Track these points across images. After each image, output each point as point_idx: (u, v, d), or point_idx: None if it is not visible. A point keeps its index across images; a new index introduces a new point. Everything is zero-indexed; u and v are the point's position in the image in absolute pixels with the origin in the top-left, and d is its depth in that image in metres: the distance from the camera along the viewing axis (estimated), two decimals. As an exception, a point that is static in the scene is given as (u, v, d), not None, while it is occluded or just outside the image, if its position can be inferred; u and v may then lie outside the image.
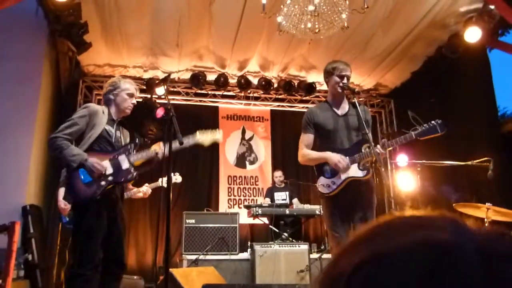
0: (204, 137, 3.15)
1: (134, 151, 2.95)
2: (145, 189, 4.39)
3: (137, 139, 3.02)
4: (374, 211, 2.98)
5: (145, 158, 2.95)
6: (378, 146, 2.87)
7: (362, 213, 2.92)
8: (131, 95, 2.99)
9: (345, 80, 3.05)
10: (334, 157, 2.89)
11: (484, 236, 0.40)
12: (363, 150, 2.90)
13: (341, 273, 0.40)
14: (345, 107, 3.13)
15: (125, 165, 2.84)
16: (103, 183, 2.74)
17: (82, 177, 2.70)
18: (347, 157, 2.90)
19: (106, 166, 2.76)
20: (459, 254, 0.37)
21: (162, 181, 4.47)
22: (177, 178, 4.78)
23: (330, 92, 3.19)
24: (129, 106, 2.99)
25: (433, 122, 2.89)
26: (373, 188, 3.02)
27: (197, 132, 3.14)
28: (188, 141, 3.01)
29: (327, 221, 3.01)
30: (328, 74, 3.12)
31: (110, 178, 2.77)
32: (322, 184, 2.99)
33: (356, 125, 3.01)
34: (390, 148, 2.96)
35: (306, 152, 3.06)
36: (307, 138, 3.08)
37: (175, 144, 2.79)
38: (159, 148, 2.93)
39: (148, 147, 3.01)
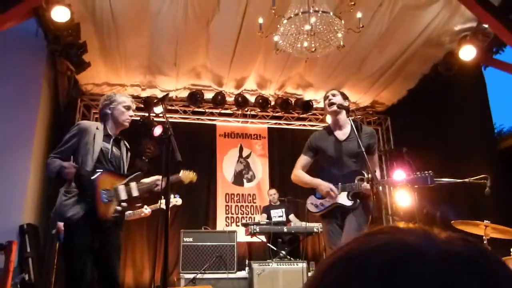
0: (184, 176, 3.39)
1: (141, 180, 2.97)
2: (146, 211, 4.42)
3: (143, 167, 3.05)
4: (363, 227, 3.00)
5: (147, 189, 2.95)
6: (365, 184, 2.93)
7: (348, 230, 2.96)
8: (128, 108, 2.96)
9: (331, 97, 3.17)
10: (324, 187, 2.98)
11: (447, 240, 0.43)
12: (356, 181, 2.96)
13: (315, 279, 0.44)
14: (346, 132, 3.16)
15: (135, 192, 2.85)
16: (119, 208, 2.76)
17: (105, 199, 2.70)
18: (339, 184, 2.99)
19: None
20: (420, 252, 0.41)
21: (162, 203, 4.48)
22: (177, 200, 4.80)
23: (330, 119, 3.36)
24: (127, 119, 2.96)
25: (425, 173, 2.96)
26: (363, 215, 3.01)
27: (181, 171, 3.37)
28: (173, 178, 3.11)
29: (324, 237, 3.20)
30: (324, 104, 3.30)
31: (124, 204, 2.79)
32: (311, 202, 3.12)
33: (355, 151, 3.02)
34: (377, 187, 2.93)
35: (299, 174, 3.18)
36: (304, 160, 3.21)
37: (172, 178, 2.92)
38: (159, 181, 2.96)
39: (147, 171, 3.04)
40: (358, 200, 2.96)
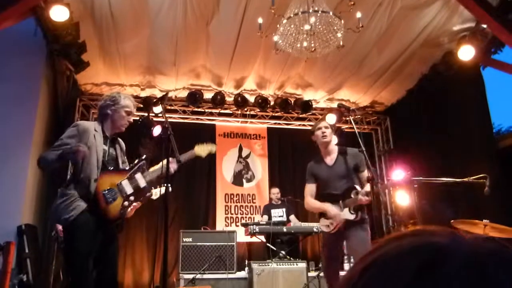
0: (201, 150, 3.35)
1: (147, 168, 2.93)
2: (135, 203, 4.40)
3: (145, 156, 2.99)
4: (368, 241, 3.41)
5: (157, 176, 2.92)
6: (360, 195, 3.33)
7: (354, 243, 3.43)
8: (129, 113, 2.92)
9: (324, 130, 3.56)
10: (331, 212, 3.45)
11: (474, 240, 0.44)
12: (352, 196, 3.39)
13: (350, 280, 0.45)
14: (333, 157, 3.60)
15: (142, 183, 2.83)
16: (126, 203, 2.72)
17: (109, 199, 2.67)
18: (340, 202, 3.44)
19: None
20: (450, 254, 0.42)
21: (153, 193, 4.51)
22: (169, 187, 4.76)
23: (320, 148, 3.68)
24: (125, 124, 2.93)
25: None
26: (366, 229, 3.45)
27: (195, 146, 3.33)
28: (186, 155, 3.09)
29: (324, 250, 3.62)
30: (312, 135, 3.68)
31: (131, 197, 2.76)
32: (324, 224, 3.53)
33: (344, 172, 3.50)
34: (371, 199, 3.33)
35: (310, 201, 3.61)
36: (309, 188, 3.63)
37: (184, 156, 2.91)
38: (170, 163, 2.90)
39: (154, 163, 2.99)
40: (359, 213, 3.38)
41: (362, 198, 3.30)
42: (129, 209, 2.78)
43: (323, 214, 3.55)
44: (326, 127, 3.60)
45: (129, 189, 2.76)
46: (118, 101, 2.89)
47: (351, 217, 3.40)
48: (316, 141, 3.68)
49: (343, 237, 3.49)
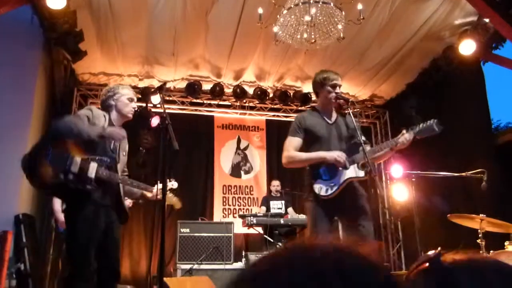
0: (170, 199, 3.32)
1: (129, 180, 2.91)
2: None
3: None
4: (369, 214, 2.94)
5: (107, 178, 2.72)
6: (395, 139, 2.85)
7: (355, 219, 2.87)
8: (131, 100, 2.94)
9: (337, 90, 3.04)
10: (332, 153, 2.86)
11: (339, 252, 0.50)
12: (360, 152, 2.85)
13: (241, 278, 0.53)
14: (333, 116, 3.13)
15: (91, 174, 2.63)
16: (61, 175, 2.54)
17: (48, 157, 2.55)
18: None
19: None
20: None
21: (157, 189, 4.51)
22: (173, 184, 4.77)
23: (320, 102, 3.18)
24: (131, 110, 2.93)
25: (429, 121, 2.82)
26: (362, 194, 2.99)
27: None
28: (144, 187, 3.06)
29: (311, 224, 2.93)
30: (319, 84, 3.11)
31: (70, 176, 2.57)
32: (320, 186, 2.89)
33: (346, 134, 3.00)
34: (386, 149, 2.90)
35: (294, 154, 2.97)
36: (295, 141, 3.00)
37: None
38: (149, 193, 2.99)
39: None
40: (369, 168, 2.76)
41: (402, 141, 2.76)
42: (53, 179, 2.56)
43: (318, 176, 2.92)
44: (340, 87, 3.06)
45: (74, 168, 2.57)
46: (118, 90, 2.92)
47: (361, 174, 2.83)
48: (318, 92, 3.14)
49: (337, 211, 2.87)
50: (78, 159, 2.60)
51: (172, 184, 4.66)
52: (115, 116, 2.92)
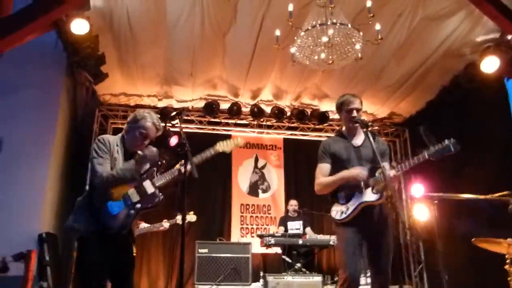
0: (224, 145, 3.15)
1: (158, 174, 2.88)
2: (165, 225, 4.87)
3: (159, 162, 2.93)
4: (391, 244, 2.89)
5: (169, 178, 2.86)
6: (390, 169, 2.83)
7: (377, 246, 2.86)
8: (144, 136, 2.83)
9: (354, 114, 3.04)
10: (353, 170, 2.89)
11: None
12: (376, 175, 2.85)
13: None
14: (360, 139, 3.09)
15: (150, 189, 2.76)
16: (132, 212, 2.70)
17: (110, 209, 2.65)
18: (362, 183, 2.86)
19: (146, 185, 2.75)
20: None
21: (178, 219, 4.76)
22: (192, 217, 4.98)
23: (344, 125, 3.20)
24: (138, 145, 2.84)
25: (446, 141, 2.76)
26: (388, 225, 2.93)
27: (217, 144, 3.14)
28: (208, 153, 3.00)
29: (339, 246, 2.96)
30: (338, 110, 3.18)
31: (138, 205, 2.72)
32: (336, 210, 2.95)
33: (370, 156, 2.94)
34: (402, 171, 2.86)
35: (322, 180, 3.02)
36: (324, 167, 3.04)
37: (197, 159, 2.84)
38: (180, 166, 2.84)
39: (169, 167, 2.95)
40: (384, 194, 2.80)
41: (389, 173, 2.76)
42: (133, 218, 2.73)
43: (336, 200, 2.99)
44: (358, 110, 3.05)
45: (135, 197, 2.72)
46: (138, 121, 2.85)
47: (373, 197, 2.84)
48: (340, 117, 3.19)
49: (361, 233, 2.86)
50: (131, 190, 2.73)
51: (191, 218, 4.87)
52: (128, 142, 2.89)
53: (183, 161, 2.83)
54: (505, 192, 3.85)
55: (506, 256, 3.79)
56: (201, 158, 2.91)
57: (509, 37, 5.11)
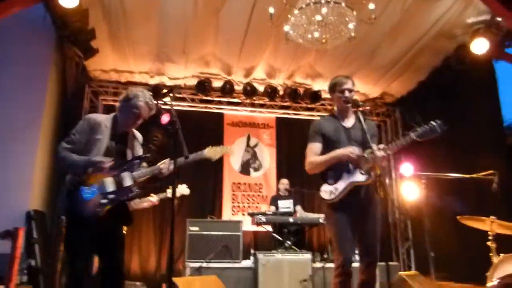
0: (212, 152, 3.13)
1: (140, 167, 2.86)
2: (154, 199, 4.50)
3: (144, 154, 2.88)
4: (378, 224, 2.96)
5: (149, 175, 2.84)
6: (378, 150, 2.88)
7: (364, 227, 2.93)
8: (137, 116, 2.83)
9: (346, 94, 3.10)
10: (345, 150, 2.93)
11: None
12: (365, 155, 2.90)
13: None
14: (351, 120, 3.15)
15: (127, 182, 2.72)
16: (104, 201, 2.64)
17: (84, 195, 2.61)
18: (350, 164, 2.93)
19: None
20: None
21: (169, 192, 4.54)
22: (184, 190, 4.80)
23: (336, 106, 3.23)
24: (131, 124, 2.86)
25: (432, 122, 2.85)
26: (376, 204, 3.00)
27: (206, 149, 3.12)
28: (196, 156, 2.96)
29: (331, 230, 3.01)
30: (331, 91, 3.22)
31: (111, 196, 2.67)
32: (325, 190, 3.01)
33: (360, 138, 3.03)
34: (390, 152, 2.93)
35: (313, 159, 3.05)
36: (315, 147, 3.07)
37: (181, 160, 2.75)
38: (164, 165, 2.84)
39: (153, 159, 2.94)
40: (372, 174, 2.88)
41: (377, 154, 2.81)
42: (106, 207, 2.66)
43: (325, 179, 3.04)
44: (350, 90, 3.12)
45: (110, 187, 2.67)
46: (130, 99, 2.84)
47: (362, 178, 2.90)
48: (333, 98, 3.22)
49: (350, 213, 2.91)
50: (109, 179, 2.68)
51: (184, 189, 4.68)
52: (121, 121, 2.86)
53: (167, 159, 2.85)
54: (489, 171, 3.95)
55: (489, 233, 3.91)
56: (187, 161, 2.83)
57: (499, 19, 5.12)
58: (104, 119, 2.83)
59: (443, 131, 2.82)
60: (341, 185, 2.95)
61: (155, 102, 2.99)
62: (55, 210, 5.46)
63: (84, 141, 2.71)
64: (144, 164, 2.96)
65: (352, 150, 2.91)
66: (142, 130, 3.16)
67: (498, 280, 3.40)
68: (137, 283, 5.45)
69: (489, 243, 3.89)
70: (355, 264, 2.84)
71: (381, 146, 2.92)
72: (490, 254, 3.84)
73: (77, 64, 6.00)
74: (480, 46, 5.39)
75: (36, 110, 5.48)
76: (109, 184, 2.69)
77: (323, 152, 3.05)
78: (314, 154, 3.06)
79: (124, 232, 3.60)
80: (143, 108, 2.84)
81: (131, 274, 6.50)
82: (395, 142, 2.91)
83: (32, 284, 4.49)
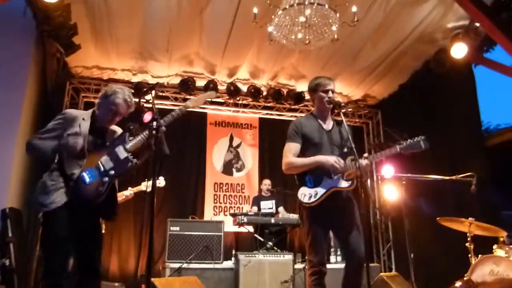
0: (195, 101, 3.04)
1: (129, 138, 2.80)
2: (128, 193, 4.42)
3: (131, 126, 2.82)
4: (360, 227, 2.95)
5: (142, 141, 2.77)
6: (363, 159, 2.89)
7: (346, 231, 2.92)
8: (114, 113, 2.81)
9: (330, 94, 3.12)
10: (330, 158, 2.91)
11: None
12: (347, 162, 2.91)
13: None
14: (330, 123, 3.19)
15: (122, 155, 2.70)
16: (106, 179, 2.64)
17: (87, 179, 2.60)
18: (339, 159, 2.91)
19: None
20: None
21: (146, 186, 4.47)
22: (160, 182, 4.74)
23: (316, 107, 3.23)
24: (109, 121, 2.83)
25: (416, 138, 2.95)
26: (354, 205, 3.02)
27: (189, 99, 3.05)
28: (181, 111, 2.88)
29: (307, 231, 2.96)
30: (313, 91, 3.20)
31: (112, 172, 2.66)
32: (304, 193, 2.96)
33: (339, 142, 3.08)
34: (374, 161, 3.01)
35: (293, 160, 3.01)
36: (294, 147, 3.04)
37: (169, 117, 2.76)
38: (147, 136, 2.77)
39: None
40: (354, 181, 2.88)
41: (362, 162, 2.81)
42: (107, 185, 2.65)
43: (304, 183, 3.00)
44: (333, 91, 3.14)
45: (108, 164, 2.68)
46: (108, 96, 2.81)
47: (345, 184, 2.90)
48: (313, 99, 3.21)
49: (329, 217, 2.89)
50: (104, 157, 2.70)
51: (159, 182, 4.61)
52: (100, 117, 2.84)
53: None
54: (468, 173, 4.04)
55: (468, 234, 3.98)
56: (172, 118, 2.80)
57: (477, 24, 5.24)
58: (81, 114, 2.81)
59: (426, 147, 2.92)
60: (321, 190, 2.92)
61: (137, 100, 2.95)
62: (31, 207, 5.35)
63: (58, 133, 2.67)
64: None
65: (337, 161, 2.89)
66: (124, 128, 3.10)
67: (460, 283, 3.50)
68: (116, 284, 5.36)
69: (467, 244, 3.96)
70: (330, 266, 2.84)
71: (365, 154, 2.96)
72: (469, 255, 3.91)
73: (58, 60, 5.90)
74: (459, 50, 5.51)
75: (15, 106, 5.35)
76: (107, 162, 2.69)
77: (301, 152, 3.04)
78: (292, 154, 3.03)
79: (103, 231, 3.54)
80: (121, 105, 2.81)
81: (109, 274, 6.40)
82: (380, 153, 2.97)
83: (5, 284, 4.37)
